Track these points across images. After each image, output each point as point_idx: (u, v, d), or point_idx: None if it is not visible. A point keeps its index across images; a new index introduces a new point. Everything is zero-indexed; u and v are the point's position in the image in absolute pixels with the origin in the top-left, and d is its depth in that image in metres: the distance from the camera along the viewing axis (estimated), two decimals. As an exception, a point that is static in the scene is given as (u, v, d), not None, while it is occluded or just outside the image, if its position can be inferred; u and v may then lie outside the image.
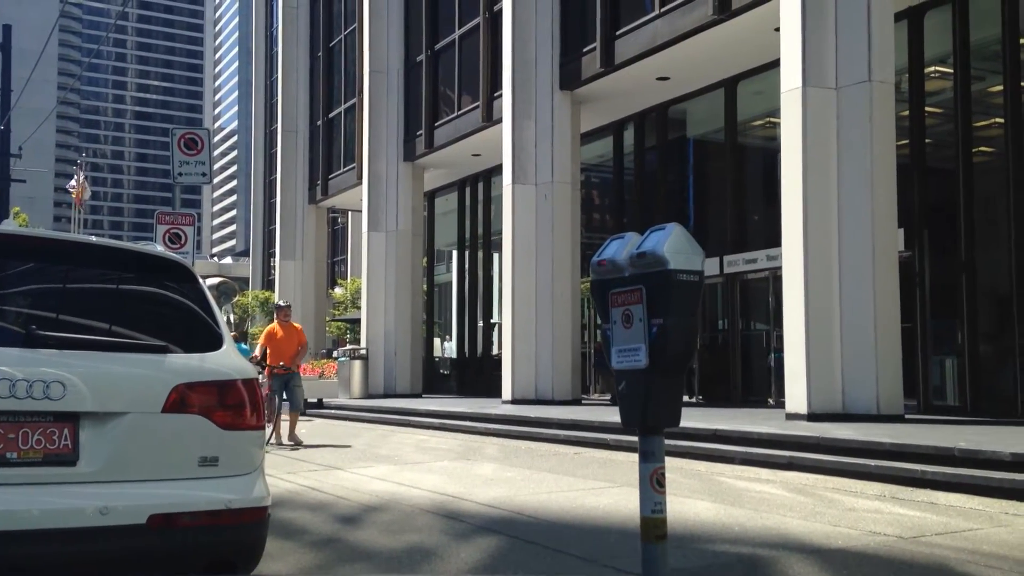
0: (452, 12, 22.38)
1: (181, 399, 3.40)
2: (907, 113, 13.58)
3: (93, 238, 4.11)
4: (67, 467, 3.20)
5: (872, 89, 11.31)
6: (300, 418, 12.72)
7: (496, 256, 23.79)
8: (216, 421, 3.46)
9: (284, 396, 12.59)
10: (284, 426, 12.54)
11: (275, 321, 13.14)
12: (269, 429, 12.24)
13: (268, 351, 12.66)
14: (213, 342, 3.67)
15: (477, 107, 20.68)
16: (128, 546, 3.21)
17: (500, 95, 19.21)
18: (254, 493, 3.51)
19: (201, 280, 3.92)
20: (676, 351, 3.13)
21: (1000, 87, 12.75)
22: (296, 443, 12.18)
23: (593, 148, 20.52)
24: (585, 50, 17.38)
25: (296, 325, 13.16)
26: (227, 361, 3.63)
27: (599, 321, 3.87)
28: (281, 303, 13.50)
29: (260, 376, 12.91)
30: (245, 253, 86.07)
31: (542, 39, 18.16)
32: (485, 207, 24.96)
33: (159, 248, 4.19)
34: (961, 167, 13.03)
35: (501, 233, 18.97)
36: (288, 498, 7.66)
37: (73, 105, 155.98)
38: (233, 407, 3.53)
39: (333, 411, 20.04)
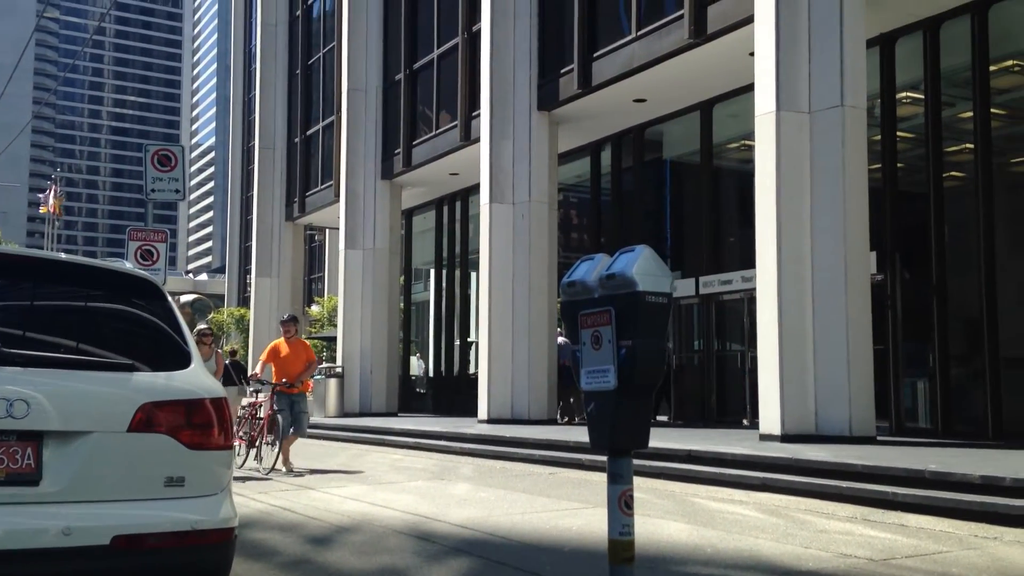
0: (431, 32, 22.47)
1: (147, 418, 3.37)
2: (879, 138, 13.74)
3: (62, 255, 4.08)
4: (30, 487, 3.16)
5: (844, 114, 11.44)
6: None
7: (473, 275, 23.79)
8: (183, 441, 3.44)
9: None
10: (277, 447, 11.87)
11: (280, 336, 12.14)
12: (275, 450, 11.54)
13: (273, 369, 11.79)
14: (181, 360, 3.65)
15: (455, 126, 20.73)
16: (91, 567, 3.18)
17: (478, 115, 19.27)
18: (221, 514, 3.48)
19: (170, 298, 3.90)
20: (644, 373, 3.14)
21: (970, 113, 12.93)
22: (288, 468, 11.50)
23: (571, 168, 20.60)
24: (563, 71, 17.49)
25: (303, 340, 12.23)
26: (195, 380, 3.60)
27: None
28: (285, 316, 12.34)
29: (261, 395, 12.33)
30: (221, 270, 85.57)
31: (520, 60, 18.26)
32: (463, 226, 24.98)
33: (128, 265, 4.16)
34: (932, 191, 13.18)
35: (478, 252, 18.97)
36: (259, 518, 7.58)
37: (48, 120, 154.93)
38: (200, 426, 3.50)
39: (308, 429, 19.88)
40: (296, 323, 12.24)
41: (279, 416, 11.55)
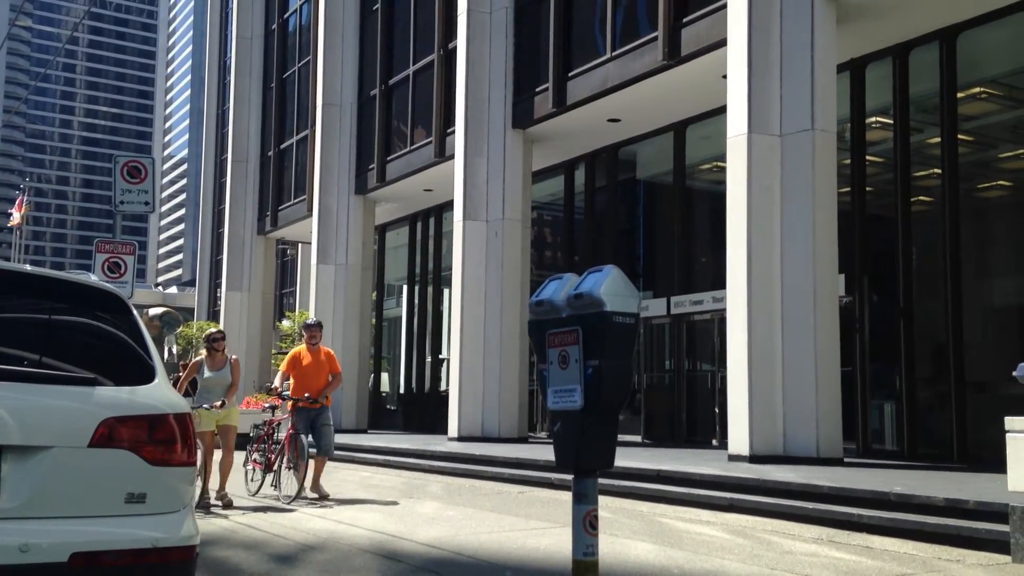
0: (407, 48, 22.51)
1: (109, 433, 3.32)
2: (849, 161, 13.91)
3: (27, 267, 4.02)
4: (-14, 502, 3.10)
5: (815, 137, 11.58)
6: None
7: (446, 291, 23.76)
8: (145, 456, 3.39)
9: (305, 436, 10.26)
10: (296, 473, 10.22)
11: (302, 343, 10.76)
12: (292, 477, 10.02)
13: (292, 380, 10.44)
14: (145, 375, 3.60)
15: (430, 143, 20.75)
16: (48, 586, 3.11)
17: (453, 131, 19.30)
18: (182, 531, 3.43)
19: (135, 311, 3.86)
20: (611, 393, 3.14)
21: (938, 139, 13.13)
22: (322, 496, 10.03)
23: (544, 186, 20.68)
24: (538, 90, 17.58)
25: (327, 349, 10.77)
26: (158, 394, 3.56)
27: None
28: (310, 321, 10.95)
29: (279, 411, 11.05)
30: (191, 283, 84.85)
31: (495, 78, 18.33)
32: (436, 242, 24.96)
33: (93, 278, 4.11)
34: (900, 215, 13.36)
35: (451, 268, 18.97)
36: (223, 536, 7.50)
37: (18, 128, 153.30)
38: (163, 442, 3.46)
39: (275, 446, 19.69)
40: (321, 329, 10.80)
41: (300, 436, 10.14)
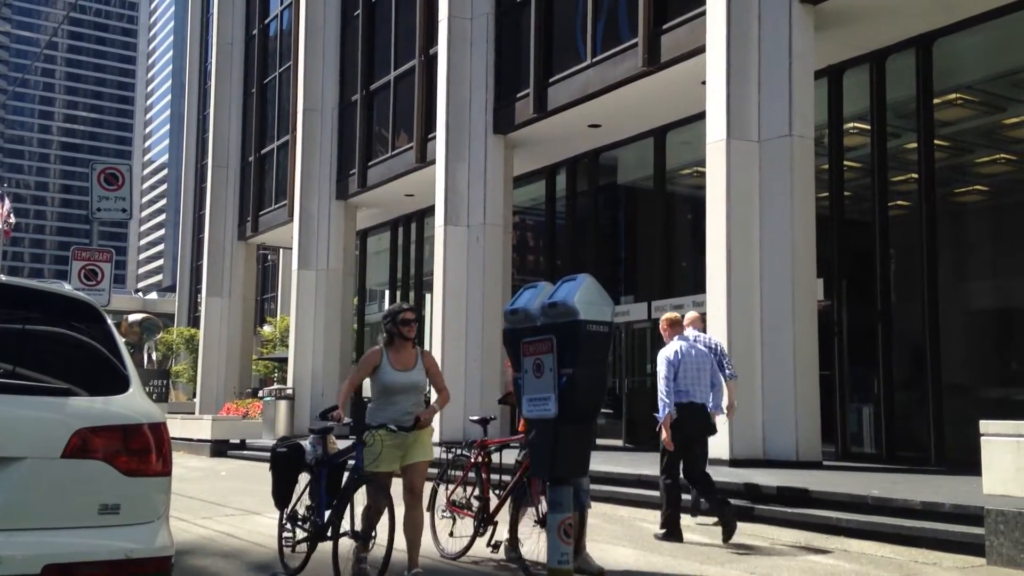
0: (388, 54, 22.50)
1: (83, 444, 3.31)
2: (827, 167, 13.99)
3: (2, 276, 4.00)
4: (-43, 515, 3.08)
5: (793, 143, 11.66)
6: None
7: (428, 297, 23.71)
8: (119, 467, 3.37)
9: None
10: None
11: None
12: (537, 534, 6.23)
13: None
14: (119, 384, 3.59)
15: (411, 148, 20.73)
16: (20, 598, 3.09)
17: (434, 137, 19.29)
18: (157, 542, 3.42)
19: (109, 320, 3.84)
20: (584, 401, 3.15)
21: (915, 144, 13.24)
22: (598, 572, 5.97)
23: (526, 191, 20.69)
24: (518, 96, 17.60)
25: None
26: (133, 404, 3.54)
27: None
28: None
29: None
30: (171, 289, 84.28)
31: (476, 83, 18.34)
32: (418, 247, 24.93)
33: (67, 287, 4.09)
34: (878, 220, 13.45)
35: (433, 274, 18.95)
36: (201, 544, 7.45)
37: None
38: (138, 452, 3.44)
39: (255, 452, 19.60)
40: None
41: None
